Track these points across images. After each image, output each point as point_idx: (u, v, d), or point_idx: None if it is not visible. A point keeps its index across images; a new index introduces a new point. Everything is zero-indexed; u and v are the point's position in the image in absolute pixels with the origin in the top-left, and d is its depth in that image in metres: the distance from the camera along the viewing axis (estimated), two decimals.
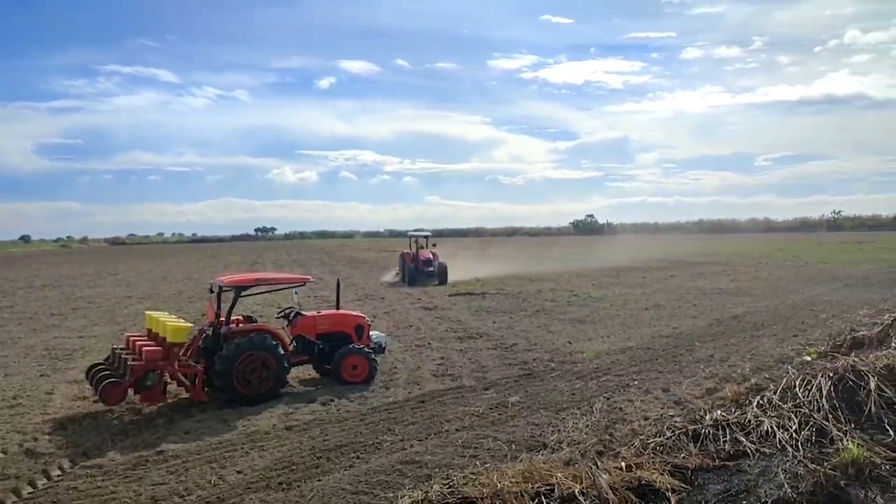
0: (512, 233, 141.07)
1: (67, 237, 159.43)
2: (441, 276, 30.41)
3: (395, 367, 12.46)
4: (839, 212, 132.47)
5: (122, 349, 10.49)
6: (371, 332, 11.85)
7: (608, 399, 9.84)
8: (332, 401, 10.11)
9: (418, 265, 30.74)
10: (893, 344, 10.85)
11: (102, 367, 10.25)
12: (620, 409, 9.27)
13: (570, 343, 14.65)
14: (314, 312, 11.69)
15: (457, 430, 8.64)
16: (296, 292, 11.34)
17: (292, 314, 11.42)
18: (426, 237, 33.21)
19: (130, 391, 9.53)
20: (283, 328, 11.39)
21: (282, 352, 10.23)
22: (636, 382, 10.87)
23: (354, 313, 12.02)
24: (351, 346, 11.13)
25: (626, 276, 32.13)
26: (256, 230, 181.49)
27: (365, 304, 23.20)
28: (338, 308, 12.12)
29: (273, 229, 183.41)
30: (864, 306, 19.26)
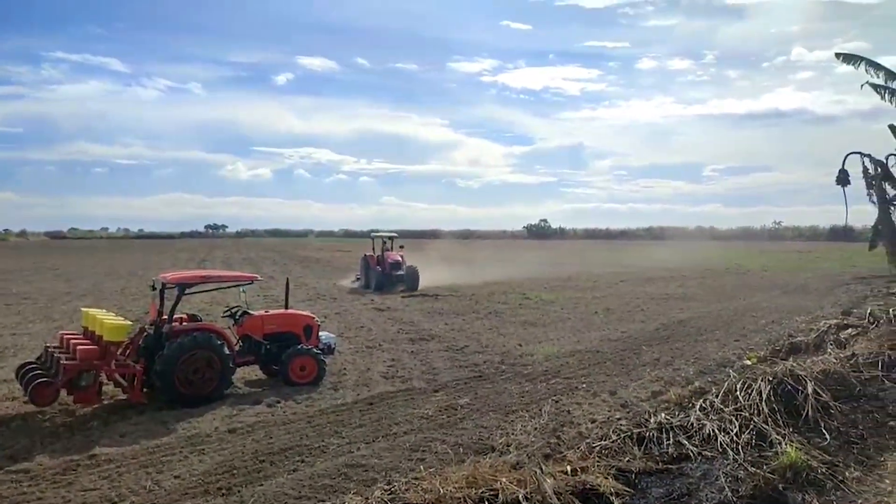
0: (467, 235, 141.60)
1: (5, 230, 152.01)
2: (411, 281, 27.22)
3: (345, 369, 12.28)
4: (780, 222, 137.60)
5: (55, 348, 10.00)
6: (320, 333, 11.64)
7: (556, 402, 9.90)
8: (279, 402, 9.87)
9: (385, 269, 27.70)
10: (829, 350, 11.29)
11: (34, 366, 9.74)
12: (568, 412, 9.34)
13: (520, 345, 14.73)
14: (262, 312, 11.41)
15: (405, 432, 8.54)
16: (243, 291, 11.04)
17: (239, 313, 11.11)
18: (392, 238, 30.45)
19: (63, 391, 9.09)
20: (229, 327, 11.08)
21: (227, 352, 9.93)
22: (584, 385, 10.98)
23: (303, 313, 11.79)
24: (299, 346, 10.90)
25: (577, 280, 32.61)
26: (207, 227, 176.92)
27: (316, 304, 22.84)
28: (287, 308, 11.86)
29: (224, 227, 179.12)
30: (801, 313, 20.03)
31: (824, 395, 7.82)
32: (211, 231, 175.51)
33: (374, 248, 29.50)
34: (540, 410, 9.46)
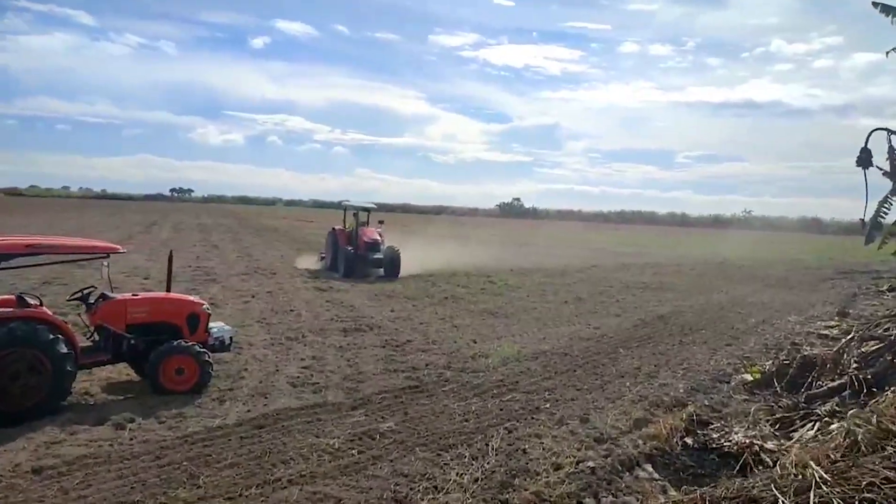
0: (439, 211, 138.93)
1: None
2: (391, 266, 21.91)
3: (247, 369, 9.66)
4: (750, 211, 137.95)
5: None
6: (211, 325, 8.97)
7: (510, 432, 7.44)
8: (132, 422, 7.22)
9: (359, 249, 22.00)
10: (852, 368, 9.03)
11: None
12: (524, 450, 6.87)
13: (474, 342, 12.25)
14: (127, 295, 8.65)
15: (290, 480, 5.98)
16: (105, 265, 8.26)
17: (92, 296, 8.36)
18: (369, 211, 24.35)
19: None
20: (79, 315, 8.34)
21: (63, 350, 7.22)
22: (548, 405, 8.54)
23: (188, 298, 9.07)
24: (176, 342, 8.23)
25: (546, 263, 30.27)
26: (172, 191, 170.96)
27: (251, 279, 20.07)
28: (168, 290, 9.11)
29: (190, 191, 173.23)
30: (791, 311, 18.03)
31: None
32: (176, 195, 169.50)
33: (345, 222, 23.59)
34: (486, 445, 7.00)
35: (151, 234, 40.40)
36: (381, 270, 22.22)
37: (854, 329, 11.62)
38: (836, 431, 4.92)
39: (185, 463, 6.22)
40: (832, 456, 4.30)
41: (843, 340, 10.11)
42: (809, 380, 9.19)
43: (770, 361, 10.68)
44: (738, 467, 6.75)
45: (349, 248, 21.99)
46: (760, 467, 6.74)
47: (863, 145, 8.51)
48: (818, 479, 3.74)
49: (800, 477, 4.07)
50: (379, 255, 22.17)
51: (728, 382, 10.03)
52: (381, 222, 24.55)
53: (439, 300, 17.50)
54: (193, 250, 29.41)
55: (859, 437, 4.37)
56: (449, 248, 32.39)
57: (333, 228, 23.43)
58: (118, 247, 8.03)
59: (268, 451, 6.60)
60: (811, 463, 4.08)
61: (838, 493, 3.74)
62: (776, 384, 9.48)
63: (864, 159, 8.49)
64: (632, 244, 51.66)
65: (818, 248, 55.80)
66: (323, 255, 24.52)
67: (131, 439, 6.78)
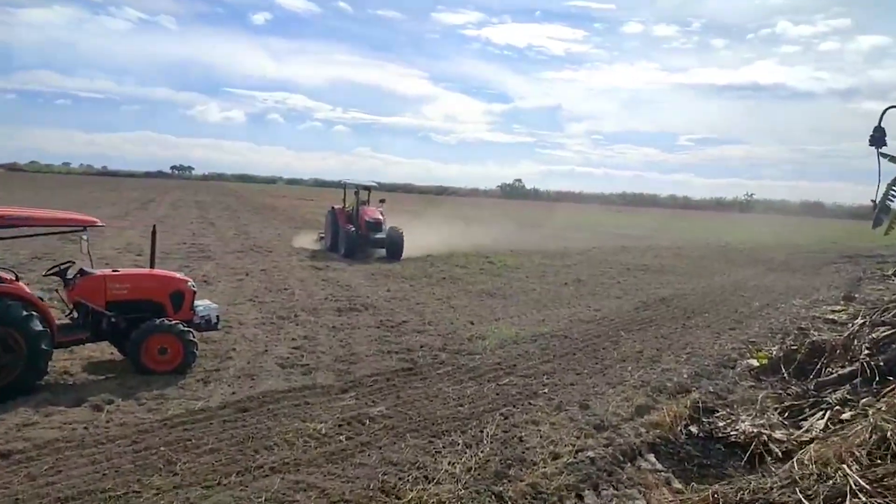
0: (440, 192, 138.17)
1: None
2: (393, 247, 21.22)
3: (235, 349, 9.32)
4: (752, 195, 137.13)
5: None
6: (197, 303, 8.61)
7: (506, 418, 7.11)
8: (111, 403, 6.89)
9: (360, 229, 21.34)
10: (863, 354, 8.69)
11: None
12: (520, 438, 6.55)
13: (471, 324, 11.91)
14: (107, 270, 8.26)
15: (272, 467, 5.65)
16: (85, 238, 7.87)
17: (71, 271, 7.99)
18: (370, 189, 23.73)
19: None
20: (56, 290, 7.98)
21: (38, 327, 6.86)
22: (546, 390, 8.22)
23: (172, 274, 8.68)
24: (159, 320, 7.88)
25: (546, 244, 29.87)
26: (172, 168, 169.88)
27: (246, 256, 19.72)
28: (152, 267, 8.72)
29: (191, 168, 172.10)
30: (795, 294, 17.71)
31: None
32: (177, 172, 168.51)
33: (345, 201, 22.91)
34: (481, 432, 6.68)
35: (148, 210, 39.94)
36: (384, 252, 21.58)
37: (862, 314, 11.27)
38: (860, 427, 4.57)
39: (162, 448, 5.89)
40: (857, 454, 3.95)
41: (853, 326, 9.76)
42: (819, 366, 8.86)
43: (777, 346, 10.36)
44: (745, 458, 6.46)
45: (350, 228, 21.21)
46: (769, 458, 6.44)
47: (876, 124, 8.06)
48: (853, 486, 3.37)
49: (825, 479, 3.71)
50: (381, 236, 21.43)
51: (733, 368, 9.71)
52: (382, 201, 23.74)
53: (437, 280, 17.15)
54: (190, 227, 29.04)
55: (888, 435, 4.01)
56: (449, 229, 31.84)
57: (333, 207, 22.66)
58: (96, 220, 7.62)
59: (251, 437, 6.28)
60: (844, 467, 3.69)
61: None
62: (784, 370, 9.16)
63: (878, 138, 8.03)
64: (633, 226, 51.22)
65: (820, 232, 55.33)
66: (322, 235, 23.92)
67: (108, 422, 6.44)
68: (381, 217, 22.00)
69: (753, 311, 15.00)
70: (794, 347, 9.60)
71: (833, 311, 14.50)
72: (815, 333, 10.83)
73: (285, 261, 19.33)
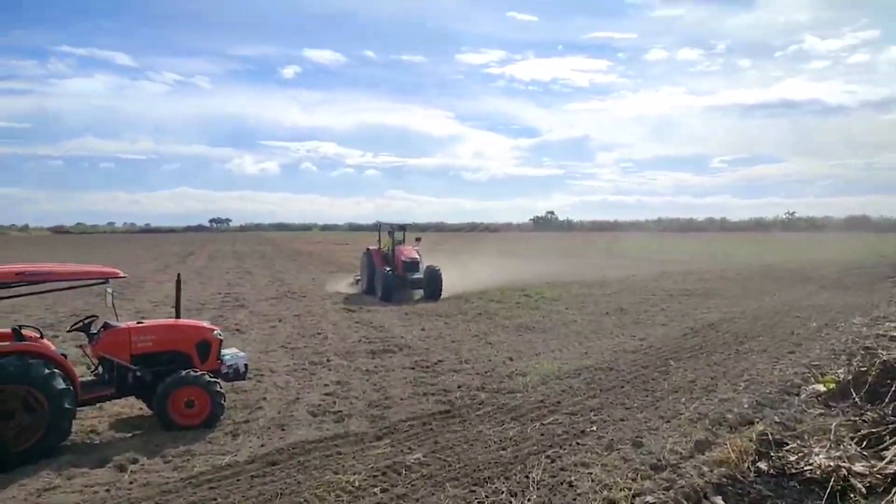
0: (472, 228, 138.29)
1: (11, 225, 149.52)
2: (432, 286, 20.40)
3: (266, 398, 8.99)
4: (793, 213, 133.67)
5: None
6: (224, 352, 8.33)
7: (552, 461, 6.56)
8: (134, 462, 6.58)
9: (398, 269, 20.61)
10: None
11: None
12: (570, 483, 5.99)
13: (510, 360, 11.38)
14: (132, 323, 8.05)
15: None
16: (110, 291, 7.72)
17: (95, 325, 7.80)
18: (405, 228, 23.05)
19: None
20: (81, 346, 7.78)
21: (61, 385, 6.64)
22: (594, 428, 7.63)
23: (198, 324, 8.43)
24: (185, 372, 7.60)
25: (583, 273, 29.15)
26: (211, 221, 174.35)
27: (279, 303, 19.58)
28: (178, 317, 8.50)
29: (228, 220, 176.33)
30: (854, 313, 16.66)
31: None
32: (215, 225, 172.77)
33: (380, 242, 22.60)
34: (527, 477, 6.14)
35: (187, 263, 40.58)
36: (421, 292, 20.86)
37: None
38: None
39: None
40: None
41: None
42: (893, 388, 8.06)
43: (843, 369, 9.55)
44: (825, 496, 5.76)
45: (387, 269, 20.52)
46: (852, 495, 5.74)
47: None
48: None
49: None
50: (419, 276, 20.65)
51: (798, 395, 8.95)
52: (417, 239, 22.99)
53: (472, 317, 16.67)
54: (226, 277, 29.28)
55: None
56: (486, 264, 31.28)
57: (368, 249, 22.21)
58: (118, 271, 7.44)
59: (279, 493, 5.86)
60: None
61: None
62: (854, 395, 8.36)
63: None
64: (671, 251, 49.94)
65: (869, 246, 53.15)
66: (358, 278, 23.43)
67: (131, 483, 6.12)
68: (417, 256, 21.26)
69: (811, 332, 14.09)
70: (864, 369, 8.79)
71: None
72: (884, 353, 9.97)
73: (319, 305, 19.12)
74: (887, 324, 14.70)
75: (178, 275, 9.06)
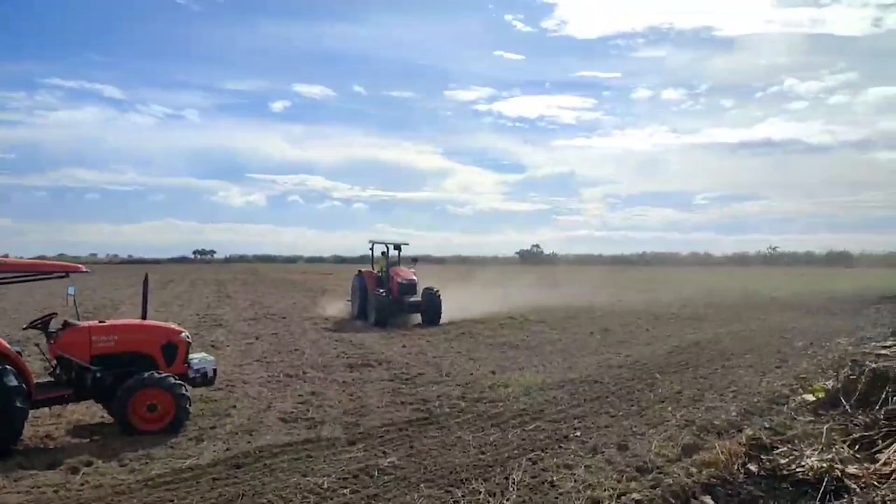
0: (459, 261, 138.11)
1: None
2: (431, 310, 18.80)
3: (236, 406, 8.58)
4: (775, 248, 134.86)
5: None
6: (191, 356, 7.96)
7: (534, 463, 6.23)
8: (88, 465, 6.16)
9: (393, 292, 18.93)
10: None
11: None
12: (552, 483, 5.66)
13: (493, 373, 11.05)
14: (94, 322, 7.67)
15: None
16: (71, 292, 7.36)
17: (54, 324, 7.41)
18: (400, 247, 20.87)
19: None
20: (37, 344, 7.39)
21: (13, 382, 6.24)
22: (578, 433, 7.31)
23: (163, 325, 8.07)
24: (147, 373, 7.21)
25: (568, 301, 28.90)
26: (195, 252, 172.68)
27: (258, 323, 19.10)
28: (144, 317, 8.12)
29: (213, 252, 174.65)
30: (839, 334, 16.52)
31: None
32: (199, 256, 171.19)
33: (373, 263, 21.01)
34: (506, 479, 5.81)
35: (167, 289, 39.85)
36: (419, 316, 19.32)
37: None
38: None
39: None
40: None
41: None
42: (884, 395, 7.84)
43: (832, 379, 9.33)
44: (819, 497, 5.48)
45: (380, 292, 18.82)
46: (846, 495, 5.46)
47: None
48: None
49: None
50: (416, 299, 18.98)
51: (786, 404, 8.70)
52: (414, 261, 21.41)
53: (455, 336, 16.33)
54: (206, 300, 28.70)
55: None
56: (476, 292, 30.57)
57: (360, 271, 20.52)
58: (80, 266, 7.12)
59: (241, 494, 5.48)
60: None
61: None
62: (844, 402, 8.12)
63: None
64: (657, 282, 49.98)
65: (853, 280, 53.54)
66: (349, 300, 21.68)
67: (82, 484, 5.70)
68: (414, 278, 19.48)
69: (797, 350, 13.91)
70: (853, 377, 8.58)
71: (884, 347, 13.35)
72: (872, 363, 9.79)
73: (297, 325, 18.68)
74: (872, 343, 14.53)
75: (146, 274, 8.71)
